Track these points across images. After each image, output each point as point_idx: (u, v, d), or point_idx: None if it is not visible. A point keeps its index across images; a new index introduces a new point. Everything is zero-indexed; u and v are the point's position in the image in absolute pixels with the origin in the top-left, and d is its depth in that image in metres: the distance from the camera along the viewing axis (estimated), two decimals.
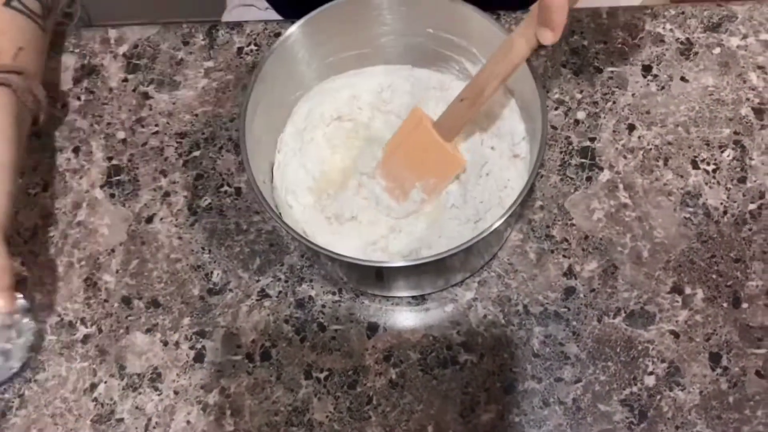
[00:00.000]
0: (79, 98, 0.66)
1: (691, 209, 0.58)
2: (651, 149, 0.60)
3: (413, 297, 0.57)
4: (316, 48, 0.56)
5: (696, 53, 0.63)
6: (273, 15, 0.76)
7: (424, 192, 0.55)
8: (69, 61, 0.67)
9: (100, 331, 0.57)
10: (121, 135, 0.64)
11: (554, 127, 0.62)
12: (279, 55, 0.53)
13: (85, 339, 0.57)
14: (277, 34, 0.67)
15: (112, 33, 0.68)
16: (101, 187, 0.62)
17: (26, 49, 0.57)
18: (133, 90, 0.66)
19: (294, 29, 0.53)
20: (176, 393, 0.55)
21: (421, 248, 0.54)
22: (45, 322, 0.57)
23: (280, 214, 0.54)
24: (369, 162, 0.57)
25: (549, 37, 0.45)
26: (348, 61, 0.59)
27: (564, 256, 0.57)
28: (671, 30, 0.65)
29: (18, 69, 0.55)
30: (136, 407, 0.55)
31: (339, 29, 0.55)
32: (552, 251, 0.57)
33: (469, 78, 0.52)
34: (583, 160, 0.60)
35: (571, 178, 0.60)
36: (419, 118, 0.53)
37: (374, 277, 0.55)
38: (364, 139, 0.59)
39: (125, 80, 0.66)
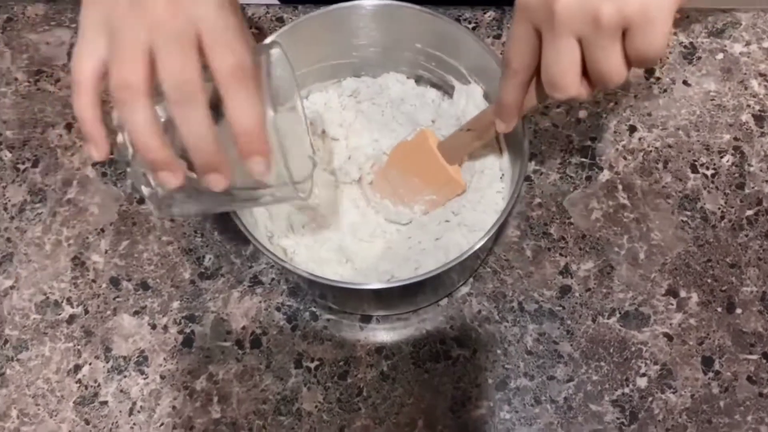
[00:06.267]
0: None
1: (688, 213, 0.58)
2: (651, 151, 0.60)
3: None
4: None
5: (699, 58, 0.63)
6: None
7: (422, 206, 0.55)
8: (65, 36, 0.66)
9: (86, 311, 0.56)
10: (115, 113, 0.63)
11: (555, 125, 0.61)
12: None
13: (71, 319, 0.56)
14: (279, 19, 0.66)
15: None
16: (93, 165, 0.61)
17: None
18: None
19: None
20: (162, 377, 0.54)
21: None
22: None
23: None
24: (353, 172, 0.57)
25: (501, 128, 0.46)
26: (324, 72, 0.58)
27: (561, 254, 0.57)
28: (675, 34, 0.64)
29: None
30: (121, 390, 0.54)
31: (318, 40, 0.54)
32: (549, 249, 0.57)
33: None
34: (583, 160, 0.60)
35: (571, 177, 0.59)
36: (425, 138, 0.53)
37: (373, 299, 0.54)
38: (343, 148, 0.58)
39: None
